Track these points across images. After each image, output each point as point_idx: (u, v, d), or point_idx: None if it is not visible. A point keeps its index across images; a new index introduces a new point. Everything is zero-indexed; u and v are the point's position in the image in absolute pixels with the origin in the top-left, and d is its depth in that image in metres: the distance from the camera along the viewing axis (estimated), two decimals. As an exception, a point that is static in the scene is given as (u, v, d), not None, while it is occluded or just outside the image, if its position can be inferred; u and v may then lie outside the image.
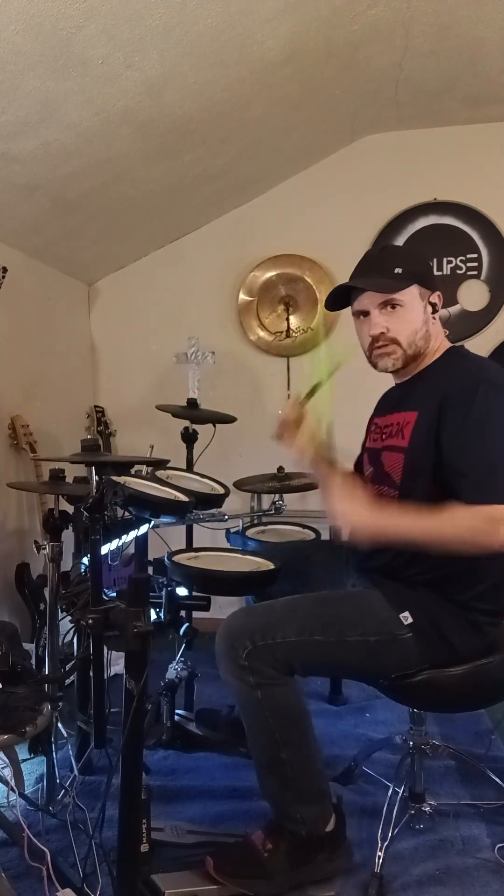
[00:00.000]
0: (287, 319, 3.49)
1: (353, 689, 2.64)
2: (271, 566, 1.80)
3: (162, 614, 1.78)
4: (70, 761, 2.03)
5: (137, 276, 3.66)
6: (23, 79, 1.99)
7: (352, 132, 3.33)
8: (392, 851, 1.64)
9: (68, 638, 2.08)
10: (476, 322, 3.34)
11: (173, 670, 2.22)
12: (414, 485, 1.57)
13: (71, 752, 2.08)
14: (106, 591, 1.51)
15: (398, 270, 1.59)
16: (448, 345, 1.69)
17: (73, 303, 3.58)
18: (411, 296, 1.60)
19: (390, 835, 1.63)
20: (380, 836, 1.63)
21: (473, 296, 3.34)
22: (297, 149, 3.27)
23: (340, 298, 1.70)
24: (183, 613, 2.13)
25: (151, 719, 2.15)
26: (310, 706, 1.59)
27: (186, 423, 2.76)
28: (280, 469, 2.59)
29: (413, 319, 1.61)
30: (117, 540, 1.88)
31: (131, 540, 1.97)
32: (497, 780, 1.91)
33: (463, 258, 3.34)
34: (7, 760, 1.72)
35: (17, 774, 1.71)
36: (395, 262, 1.62)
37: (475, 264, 3.34)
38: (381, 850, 1.60)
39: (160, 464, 2.11)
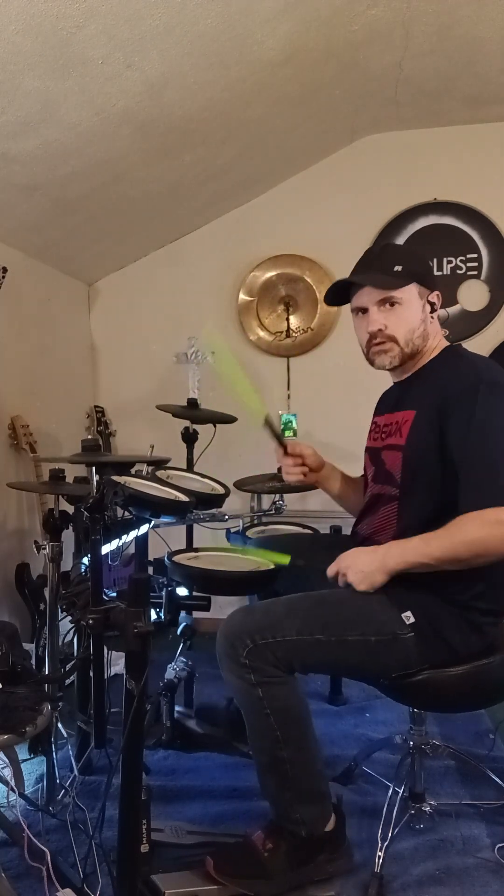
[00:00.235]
0: (287, 319, 3.49)
1: (353, 689, 2.64)
2: (271, 566, 1.80)
3: (162, 614, 1.78)
4: (70, 761, 2.03)
5: (137, 276, 3.66)
6: (23, 79, 1.99)
7: (352, 132, 3.33)
8: (392, 851, 1.64)
9: (68, 638, 2.08)
10: (476, 322, 3.34)
11: (173, 670, 2.22)
12: (414, 483, 1.58)
13: (71, 752, 2.08)
14: (106, 591, 1.52)
15: (398, 268, 1.60)
16: (445, 344, 1.70)
17: (73, 303, 3.58)
18: (410, 294, 1.61)
19: (390, 835, 1.63)
20: (380, 836, 1.63)
21: (473, 296, 3.34)
22: (297, 149, 3.28)
23: (340, 294, 1.71)
24: (183, 613, 2.13)
25: (151, 719, 2.15)
26: (310, 706, 1.59)
27: (187, 423, 2.76)
28: (280, 469, 2.59)
29: (411, 317, 1.62)
30: (117, 540, 1.88)
31: (131, 540, 1.97)
32: (497, 780, 1.91)
33: (463, 258, 3.34)
34: (7, 760, 1.72)
35: (17, 774, 1.71)
36: (395, 260, 1.63)
37: (475, 264, 3.34)
38: (381, 850, 1.60)
39: (160, 463, 2.11)
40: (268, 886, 1.51)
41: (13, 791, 1.69)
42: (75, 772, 1.99)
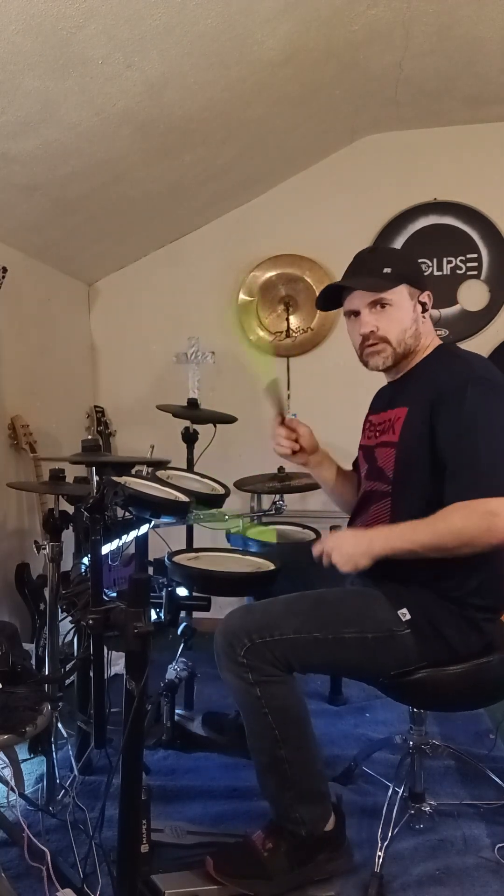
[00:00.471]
0: (287, 319, 3.49)
1: (353, 689, 2.64)
2: (271, 566, 1.80)
3: (162, 615, 1.78)
4: (70, 761, 2.03)
5: (137, 276, 3.66)
6: (23, 79, 1.99)
7: (352, 132, 3.33)
8: (392, 851, 1.64)
9: (68, 638, 2.08)
10: (476, 322, 3.34)
11: (173, 670, 2.22)
12: (406, 479, 1.59)
13: (71, 752, 2.08)
14: (106, 591, 1.52)
15: (387, 270, 1.62)
16: (438, 343, 1.71)
17: (73, 303, 3.58)
18: (400, 295, 1.63)
19: (390, 835, 1.63)
20: (380, 836, 1.63)
21: (473, 296, 3.34)
22: (297, 149, 3.27)
23: (332, 298, 1.72)
24: (183, 613, 2.13)
25: (151, 719, 2.15)
26: (310, 706, 1.59)
27: (187, 423, 2.76)
28: (280, 469, 2.59)
29: (402, 318, 1.63)
30: (117, 540, 1.88)
31: (131, 540, 1.97)
32: (497, 780, 1.91)
33: (463, 258, 3.34)
34: (7, 760, 1.72)
35: (17, 774, 1.71)
36: (384, 262, 1.65)
37: (475, 264, 3.34)
38: (381, 850, 1.60)
39: (160, 464, 2.11)
40: (268, 886, 1.51)
41: (13, 791, 1.69)
42: (75, 772, 1.99)
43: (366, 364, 1.70)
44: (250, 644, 1.49)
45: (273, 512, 2.57)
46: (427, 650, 1.54)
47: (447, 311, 3.34)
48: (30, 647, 2.53)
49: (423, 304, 1.67)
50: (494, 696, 1.71)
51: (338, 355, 3.39)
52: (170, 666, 2.25)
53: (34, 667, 2.36)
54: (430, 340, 1.70)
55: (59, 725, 1.99)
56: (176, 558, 1.86)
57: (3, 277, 2.55)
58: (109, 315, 3.71)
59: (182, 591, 1.83)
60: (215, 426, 2.73)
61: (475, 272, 3.34)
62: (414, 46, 2.57)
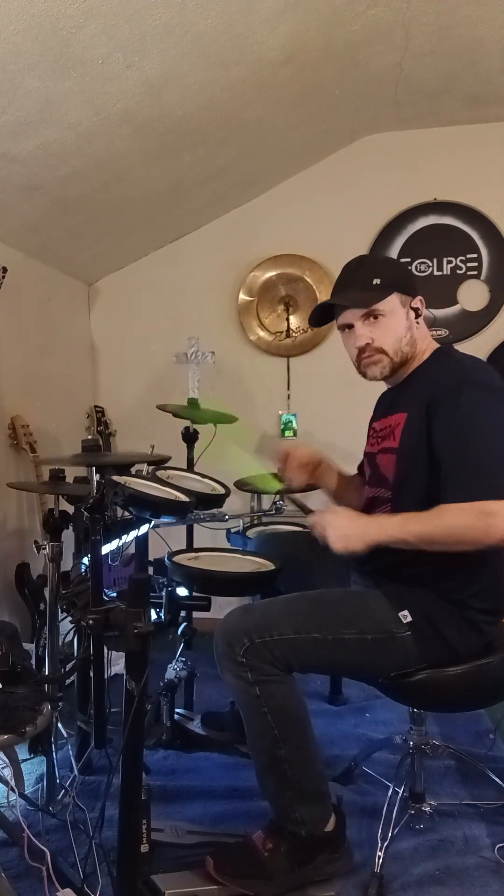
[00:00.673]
0: (287, 319, 3.49)
1: (353, 689, 2.64)
2: (271, 566, 1.80)
3: (162, 614, 1.78)
4: (70, 761, 2.03)
5: (137, 276, 3.66)
6: (23, 79, 1.99)
7: (352, 132, 3.33)
8: (392, 851, 1.64)
9: (68, 638, 2.08)
10: (476, 322, 3.34)
11: (173, 670, 2.22)
12: (406, 485, 1.59)
13: (71, 752, 2.08)
14: (106, 591, 1.52)
15: (376, 282, 1.62)
16: (435, 346, 1.72)
17: (73, 303, 3.58)
18: (392, 305, 1.63)
19: (390, 835, 1.63)
20: (380, 836, 1.63)
21: (473, 296, 3.34)
22: (297, 149, 3.27)
23: (325, 313, 1.73)
24: (183, 614, 2.13)
25: (151, 719, 2.15)
26: (310, 706, 1.59)
27: (187, 422, 2.76)
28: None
29: (396, 327, 1.64)
30: (117, 540, 1.88)
31: (131, 540, 1.97)
32: (497, 780, 1.91)
33: (463, 258, 3.34)
34: (7, 760, 1.71)
35: (17, 774, 1.71)
36: (372, 273, 1.65)
37: (475, 264, 3.34)
38: (381, 850, 1.60)
39: (162, 461, 2.11)
40: (268, 886, 1.51)
41: (13, 791, 1.69)
42: (75, 772, 1.99)
43: (364, 375, 1.71)
44: (249, 644, 1.49)
45: (273, 512, 2.56)
46: (427, 651, 1.54)
47: (447, 311, 3.34)
48: (30, 647, 2.53)
49: (416, 310, 1.67)
50: (495, 696, 1.72)
51: (338, 355, 3.35)
52: (170, 666, 2.26)
53: (34, 667, 2.36)
54: (427, 344, 1.70)
55: (59, 725, 1.99)
56: (176, 558, 1.86)
57: (3, 277, 2.55)
58: (109, 315, 3.71)
59: (182, 591, 1.83)
60: (215, 426, 2.73)
61: (475, 272, 3.34)
62: (414, 46, 2.57)
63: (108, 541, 1.80)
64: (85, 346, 3.68)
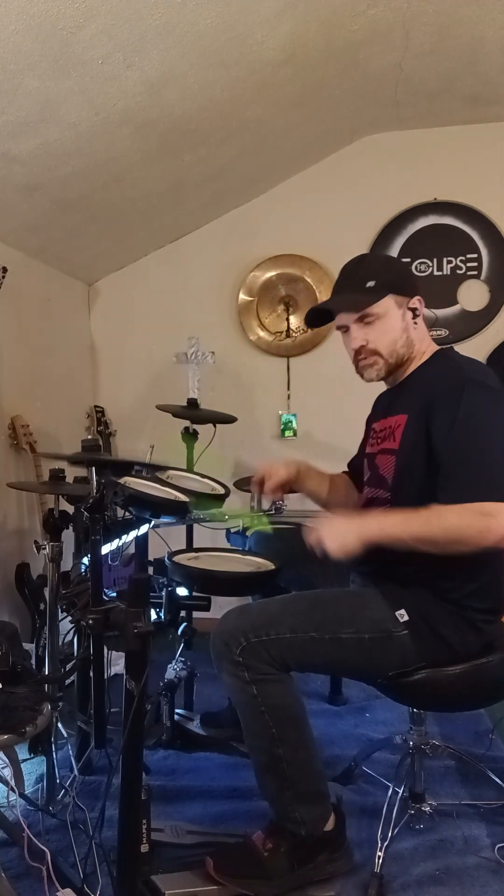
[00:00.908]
0: (287, 319, 3.49)
1: (353, 689, 2.64)
2: (271, 566, 1.80)
3: (162, 614, 1.78)
4: (70, 761, 2.03)
5: (137, 276, 3.66)
6: (23, 79, 1.99)
7: (352, 132, 3.34)
8: (392, 851, 1.64)
9: (68, 638, 2.08)
10: (476, 322, 3.34)
11: (173, 670, 2.22)
12: (405, 486, 1.59)
13: (71, 752, 2.08)
14: (106, 591, 1.51)
15: (371, 284, 1.62)
16: (435, 347, 1.72)
17: (73, 303, 3.58)
18: (387, 307, 1.63)
19: (390, 835, 1.63)
20: (380, 836, 1.63)
21: (473, 296, 3.34)
22: (297, 149, 3.27)
23: (323, 314, 1.73)
24: (183, 614, 2.13)
25: (151, 719, 2.15)
26: (310, 706, 1.60)
27: (187, 423, 2.76)
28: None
29: (391, 329, 1.64)
30: (117, 540, 1.88)
31: (131, 540, 1.97)
32: (497, 780, 1.91)
33: (463, 258, 3.34)
34: (7, 760, 1.72)
35: (17, 774, 1.71)
36: (367, 275, 1.64)
37: (475, 264, 3.34)
38: (381, 850, 1.60)
39: (161, 469, 2.11)
40: (268, 887, 1.51)
41: (13, 791, 1.69)
42: (75, 772, 1.99)
43: (361, 376, 1.71)
44: (246, 643, 1.49)
45: (273, 512, 2.56)
46: (425, 650, 1.54)
47: (447, 311, 3.34)
48: (30, 647, 2.53)
49: (414, 310, 1.66)
50: (494, 696, 1.71)
51: (338, 355, 3.35)
52: (170, 666, 2.26)
53: (34, 667, 2.36)
54: (427, 345, 1.70)
55: (59, 725, 1.99)
56: (176, 558, 1.86)
57: (3, 277, 2.55)
58: (109, 315, 3.71)
59: (182, 591, 1.83)
60: (215, 426, 2.73)
61: (475, 272, 3.34)
62: (414, 46, 2.57)
63: (108, 541, 1.80)
64: (85, 346, 3.68)
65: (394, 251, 3.40)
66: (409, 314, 1.65)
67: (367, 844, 1.67)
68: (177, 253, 3.61)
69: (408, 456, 1.58)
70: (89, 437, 3.31)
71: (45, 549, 1.93)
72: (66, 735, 2.07)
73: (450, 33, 2.50)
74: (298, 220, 3.48)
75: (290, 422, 3.45)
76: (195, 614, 2.28)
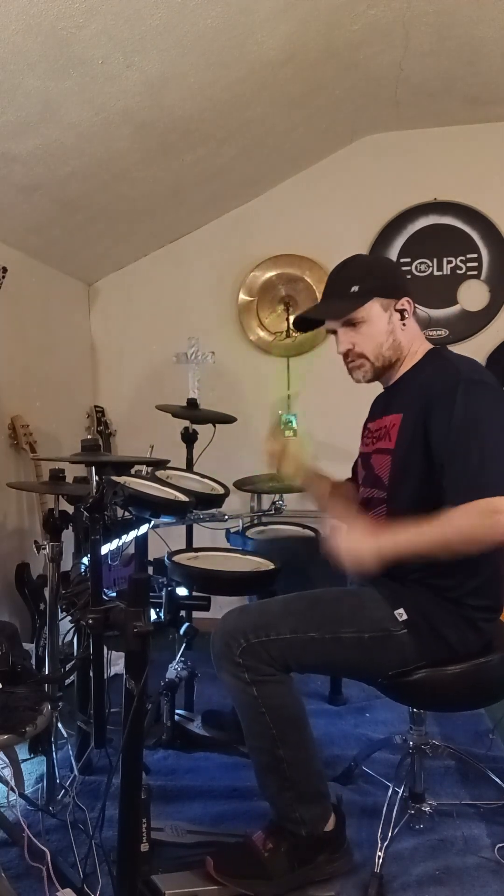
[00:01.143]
0: (287, 319, 3.48)
1: (353, 689, 2.64)
2: (271, 566, 1.80)
3: (162, 614, 1.78)
4: (70, 761, 2.03)
5: (137, 276, 3.66)
6: (23, 79, 1.99)
7: (352, 132, 3.34)
8: (392, 851, 1.64)
9: (68, 638, 2.08)
10: (476, 322, 3.34)
11: (173, 670, 2.22)
12: (401, 485, 1.59)
13: (71, 752, 2.08)
14: (106, 591, 1.51)
15: (355, 289, 1.63)
16: (428, 346, 1.71)
17: (73, 303, 3.58)
18: (371, 311, 1.63)
19: (390, 835, 1.63)
20: (380, 836, 1.63)
21: (473, 296, 3.34)
22: (297, 149, 3.27)
23: (310, 319, 1.75)
24: (183, 613, 2.13)
25: (151, 719, 2.15)
26: (310, 706, 1.60)
27: (186, 423, 2.76)
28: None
29: (376, 333, 1.64)
30: (117, 540, 1.88)
31: (131, 540, 1.97)
32: (497, 780, 1.90)
33: (463, 258, 3.34)
34: (7, 760, 1.72)
35: (17, 774, 1.71)
36: (352, 280, 1.64)
37: (475, 264, 3.34)
38: (381, 850, 1.60)
39: (160, 464, 2.11)
40: (268, 887, 1.51)
41: (13, 791, 1.69)
42: (75, 772, 1.99)
43: (351, 377, 1.72)
44: (246, 644, 1.49)
45: (273, 512, 2.57)
46: (425, 650, 1.54)
47: (447, 311, 3.35)
48: (30, 647, 2.53)
49: (402, 311, 1.65)
50: (494, 695, 1.71)
51: (337, 355, 3.38)
52: (170, 666, 2.26)
53: (34, 667, 2.36)
54: (419, 345, 1.70)
55: (59, 725, 1.99)
56: (175, 558, 1.86)
57: (3, 277, 2.55)
58: (109, 315, 3.71)
59: (182, 591, 1.83)
60: (215, 426, 2.73)
61: (475, 272, 3.34)
62: (414, 46, 2.57)
63: (108, 541, 1.80)
64: (85, 346, 3.68)
65: (394, 251, 3.40)
66: (397, 316, 1.65)
67: (367, 844, 1.67)
68: (177, 253, 3.61)
69: (404, 455, 1.58)
70: (89, 437, 3.31)
71: (45, 549, 1.93)
72: (66, 735, 2.07)
73: (450, 33, 2.50)
74: (298, 220, 3.48)
75: (290, 422, 3.45)
76: (195, 614, 2.28)
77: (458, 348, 1.75)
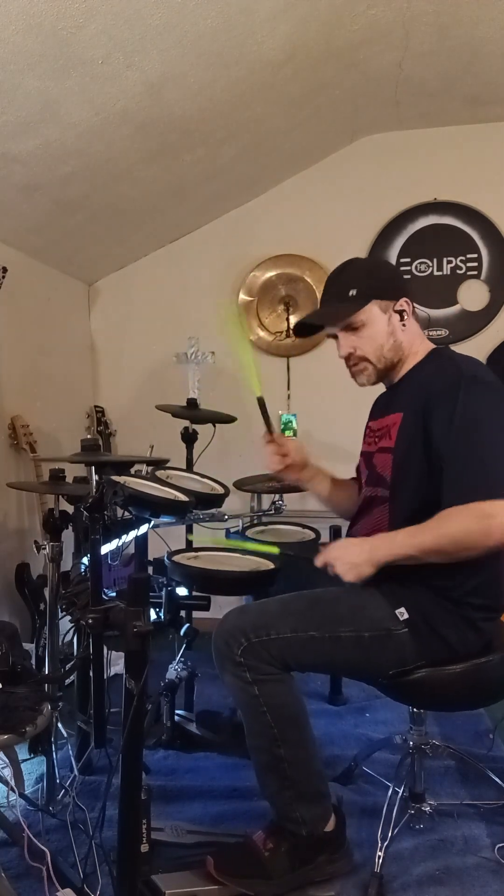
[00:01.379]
0: (287, 319, 3.49)
1: (353, 689, 2.64)
2: (271, 566, 1.80)
3: (162, 614, 1.78)
4: (70, 761, 2.03)
5: (137, 276, 3.66)
6: (23, 79, 1.99)
7: (352, 132, 3.34)
8: (392, 851, 1.63)
9: (68, 638, 2.08)
10: (476, 322, 3.34)
11: (173, 670, 2.22)
12: (403, 484, 1.59)
13: (71, 752, 2.08)
14: (106, 590, 1.52)
15: (353, 293, 1.63)
16: (430, 346, 1.72)
17: (73, 303, 3.58)
18: (370, 314, 1.64)
19: (390, 835, 1.63)
20: (380, 836, 1.62)
21: (473, 296, 3.34)
22: (297, 149, 3.28)
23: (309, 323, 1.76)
24: (183, 613, 2.13)
25: (151, 719, 2.15)
26: (310, 706, 1.59)
27: (186, 423, 2.76)
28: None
29: (376, 335, 1.65)
30: (117, 540, 1.88)
31: (131, 540, 1.97)
32: (497, 780, 1.90)
33: (463, 258, 3.34)
34: (7, 760, 1.72)
35: (17, 774, 1.71)
36: (349, 283, 1.65)
37: (475, 264, 3.34)
38: (381, 850, 1.60)
39: (160, 463, 2.11)
40: (268, 887, 1.51)
41: (13, 791, 1.69)
42: (75, 772, 1.99)
43: (355, 381, 1.73)
44: (247, 643, 1.49)
45: (273, 512, 2.57)
46: (425, 649, 1.54)
47: (447, 311, 3.35)
48: (30, 647, 2.53)
49: (401, 313, 1.66)
50: (494, 695, 1.71)
51: (337, 355, 3.39)
52: (170, 666, 2.26)
53: (34, 667, 2.36)
54: (420, 345, 1.70)
55: (59, 725, 1.99)
56: (175, 557, 1.86)
57: (3, 277, 2.55)
58: (109, 315, 3.71)
59: (182, 591, 1.83)
60: (215, 426, 2.73)
61: (475, 272, 3.34)
62: (414, 46, 2.58)
63: (108, 541, 1.80)
64: (85, 346, 3.68)
65: (394, 251, 3.40)
66: (396, 317, 1.65)
67: (367, 844, 1.67)
68: (177, 253, 3.61)
69: (405, 454, 1.58)
70: (89, 437, 3.31)
71: (45, 548, 1.93)
72: (66, 735, 2.07)
73: (450, 33, 2.50)
74: (298, 220, 3.48)
75: (290, 422, 3.45)
76: (195, 614, 2.28)
77: (457, 348, 1.75)
